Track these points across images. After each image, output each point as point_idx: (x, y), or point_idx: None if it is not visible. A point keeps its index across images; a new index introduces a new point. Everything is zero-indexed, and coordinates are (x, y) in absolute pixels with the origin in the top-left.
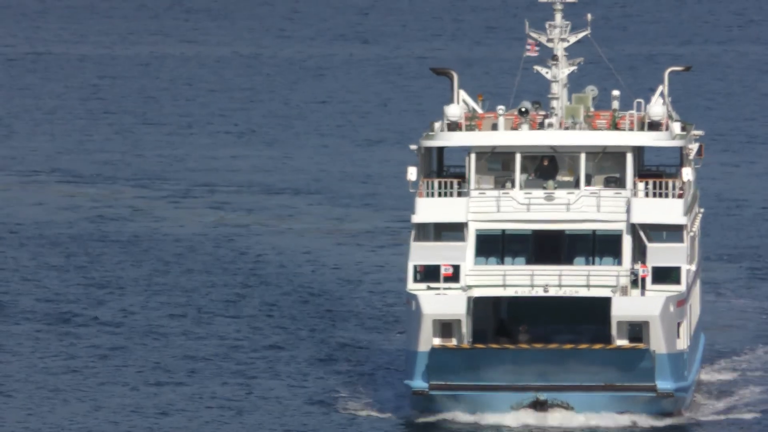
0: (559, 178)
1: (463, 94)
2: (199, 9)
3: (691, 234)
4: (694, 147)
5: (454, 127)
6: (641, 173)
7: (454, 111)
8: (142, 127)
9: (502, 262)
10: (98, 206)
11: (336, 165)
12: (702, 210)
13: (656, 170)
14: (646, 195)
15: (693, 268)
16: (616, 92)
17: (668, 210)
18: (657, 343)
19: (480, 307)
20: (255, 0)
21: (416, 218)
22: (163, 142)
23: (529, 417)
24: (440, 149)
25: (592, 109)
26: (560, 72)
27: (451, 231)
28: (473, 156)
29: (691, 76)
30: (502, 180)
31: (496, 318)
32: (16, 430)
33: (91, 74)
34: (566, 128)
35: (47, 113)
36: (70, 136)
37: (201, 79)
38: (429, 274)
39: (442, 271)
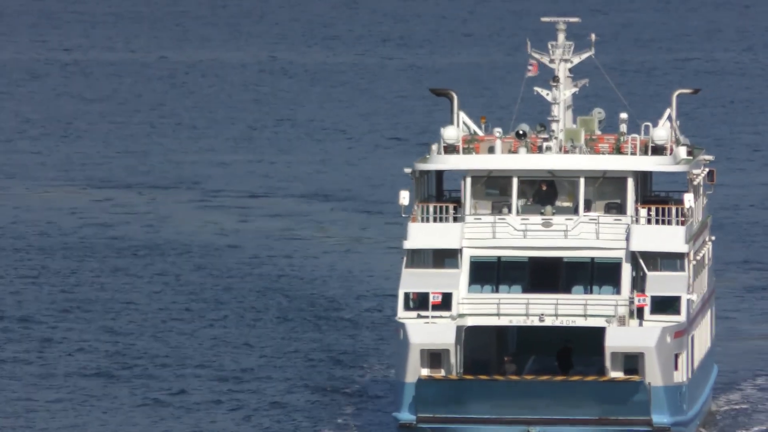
0: (558, 203)
1: (463, 116)
2: (222, 16)
3: (694, 262)
4: (702, 172)
5: (451, 150)
6: (647, 199)
7: (451, 133)
8: (160, 132)
9: (497, 290)
10: (112, 212)
11: (352, 171)
12: (713, 238)
13: (665, 196)
14: (648, 222)
15: (695, 297)
16: (623, 115)
17: (669, 237)
18: (653, 375)
19: (479, 336)
20: (275, 6)
21: (408, 244)
22: (176, 148)
23: None
24: (439, 173)
25: (598, 132)
26: (561, 94)
27: (451, 257)
28: (469, 180)
29: (706, 94)
30: (500, 205)
31: (501, 348)
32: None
33: (114, 80)
34: (566, 152)
35: (71, 119)
36: (88, 142)
37: (221, 85)
38: (422, 302)
39: (431, 299)
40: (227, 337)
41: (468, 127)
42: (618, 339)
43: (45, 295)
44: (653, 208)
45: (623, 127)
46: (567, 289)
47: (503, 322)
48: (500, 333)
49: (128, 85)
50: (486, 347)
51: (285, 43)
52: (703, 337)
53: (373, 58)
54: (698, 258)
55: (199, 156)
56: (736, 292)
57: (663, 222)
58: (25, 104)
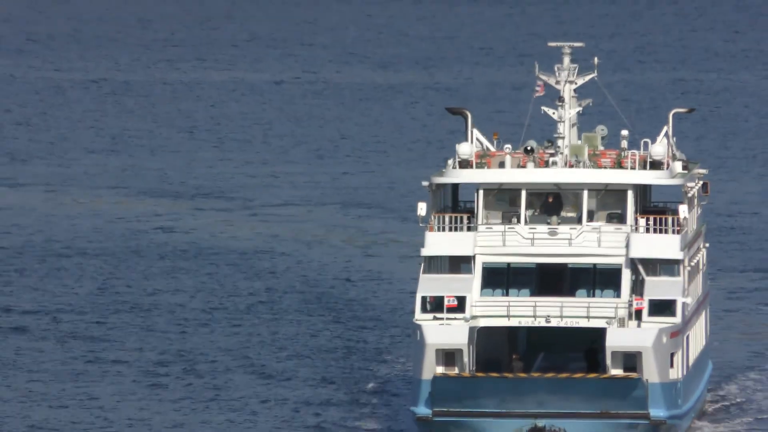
0: (563, 213)
1: (476, 133)
2: (261, 38)
3: (689, 268)
4: (696, 184)
5: (465, 164)
6: (646, 210)
7: (465, 149)
8: (205, 146)
9: (507, 294)
10: (159, 219)
11: (379, 182)
12: (707, 245)
13: (662, 207)
14: (647, 231)
15: (689, 300)
16: (624, 132)
17: (665, 245)
18: (650, 372)
19: (492, 336)
20: (310, 32)
21: (425, 251)
22: (220, 161)
23: None
24: (454, 185)
25: (601, 148)
26: (566, 113)
27: (466, 263)
28: (481, 192)
29: (704, 111)
30: (509, 215)
31: (512, 347)
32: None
33: (165, 99)
34: (571, 166)
35: (125, 134)
36: (141, 155)
37: (259, 104)
38: (438, 305)
39: (446, 303)
40: (261, 336)
41: (481, 143)
42: (617, 339)
43: (96, 295)
44: (651, 218)
45: (624, 143)
46: (571, 293)
47: (513, 323)
48: (511, 333)
49: (177, 104)
50: (498, 347)
51: (321, 65)
52: (697, 336)
53: (402, 78)
54: (693, 264)
55: (240, 168)
56: (733, 293)
57: (660, 231)
58: (84, 120)
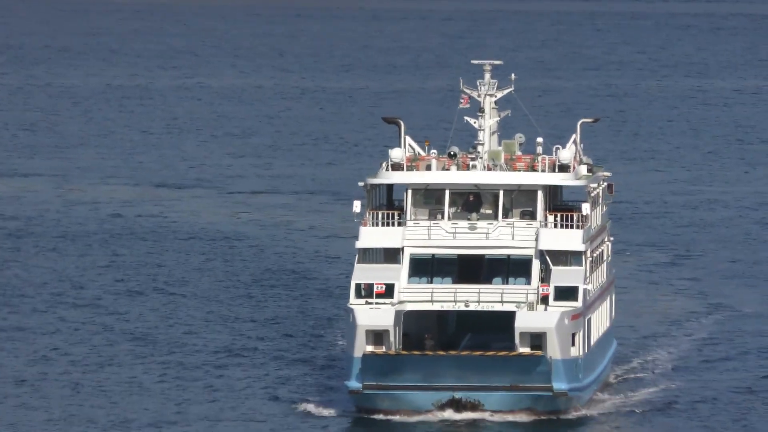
0: (482, 210)
1: (409, 140)
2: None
3: (591, 259)
4: (600, 185)
5: (396, 167)
6: (556, 207)
7: (397, 154)
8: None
9: (431, 282)
10: (143, 206)
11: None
12: (612, 238)
13: (572, 205)
14: (554, 226)
15: (591, 287)
16: (540, 139)
17: (570, 239)
18: (553, 350)
19: (422, 319)
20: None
21: (359, 244)
22: (199, 155)
23: (447, 412)
24: (389, 185)
25: (518, 153)
26: (486, 122)
27: (398, 254)
28: (410, 192)
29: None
30: (435, 212)
31: (441, 328)
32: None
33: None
34: (489, 169)
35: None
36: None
37: (239, 106)
38: (370, 291)
39: (375, 289)
40: (221, 313)
41: (413, 149)
42: (525, 321)
43: (99, 273)
44: (558, 215)
45: (539, 149)
46: (488, 281)
47: (436, 307)
48: (441, 317)
49: (172, 107)
50: (428, 328)
51: (293, 73)
52: (601, 318)
53: (361, 84)
54: (595, 255)
55: (219, 161)
56: (639, 276)
57: (565, 226)
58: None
